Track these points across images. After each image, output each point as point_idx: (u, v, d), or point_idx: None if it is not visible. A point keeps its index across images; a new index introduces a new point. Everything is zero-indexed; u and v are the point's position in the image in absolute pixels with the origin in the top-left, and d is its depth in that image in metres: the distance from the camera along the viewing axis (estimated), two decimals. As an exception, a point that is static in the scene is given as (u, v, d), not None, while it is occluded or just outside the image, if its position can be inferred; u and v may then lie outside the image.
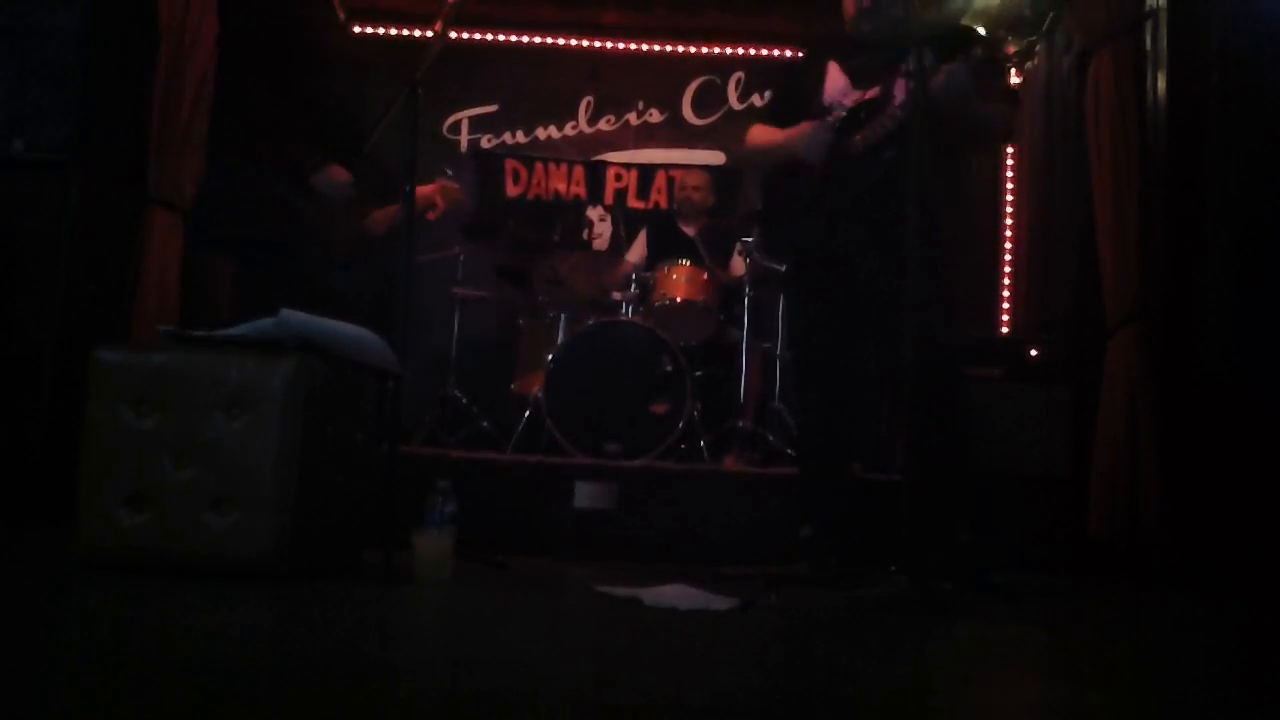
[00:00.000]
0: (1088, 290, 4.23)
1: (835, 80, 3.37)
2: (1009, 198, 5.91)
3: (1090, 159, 4.05)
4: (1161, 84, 4.06)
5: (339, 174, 3.50)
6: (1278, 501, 3.46)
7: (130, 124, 4.10)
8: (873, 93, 3.27)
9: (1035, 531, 3.92)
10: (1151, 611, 3.22)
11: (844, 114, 3.28)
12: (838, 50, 3.38)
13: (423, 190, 3.78)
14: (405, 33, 6.23)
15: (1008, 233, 5.88)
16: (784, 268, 3.89)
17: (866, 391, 3.31)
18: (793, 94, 3.50)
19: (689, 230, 5.31)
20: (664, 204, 6.33)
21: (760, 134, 3.53)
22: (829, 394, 3.31)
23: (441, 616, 2.43)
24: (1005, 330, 5.68)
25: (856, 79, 3.32)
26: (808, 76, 3.44)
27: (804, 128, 3.30)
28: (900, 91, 3.19)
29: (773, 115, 3.56)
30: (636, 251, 5.48)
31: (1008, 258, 5.85)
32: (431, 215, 3.93)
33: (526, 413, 4.95)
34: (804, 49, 3.66)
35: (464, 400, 5.19)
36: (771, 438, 4.90)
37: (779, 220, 3.48)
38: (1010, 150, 5.93)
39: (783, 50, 6.35)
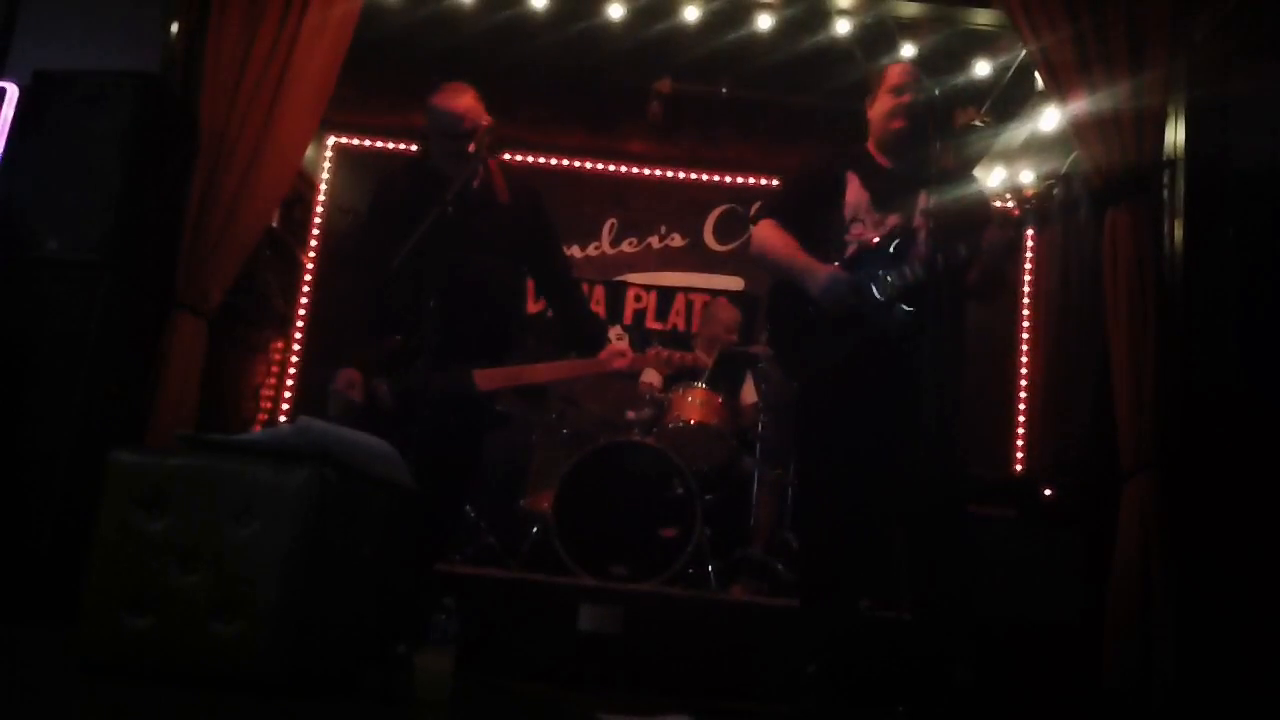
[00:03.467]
0: (1103, 433, 4.21)
1: (856, 193, 3.29)
2: (1024, 338, 6.00)
3: (1107, 306, 4.05)
4: (1179, 233, 4.10)
5: (349, 376, 3.40)
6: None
7: (162, 228, 4.15)
8: (893, 219, 3.24)
9: (1044, 679, 3.84)
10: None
11: (871, 245, 3.21)
12: (860, 168, 3.30)
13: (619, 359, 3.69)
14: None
15: (1023, 372, 5.95)
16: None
17: (878, 526, 3.20)
18: (807, 196, 3.36)
19: (706, 358, 5.33)
20: (681, 326, 6.39)
21: (773, 239, 3.31)
22: (838, 527, 3.17)
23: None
24: (1019, 469, 5.68)
25: (878, 201, 3.25)
26: (824, 181, 3.31)
27: (826, 271, 3.17)
28: (924, 229, 3.17)
29: (783, 212, 3.38)
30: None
31: (1023, 396, 5.91)
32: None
33: (534, 530, 4.92)
34: (823, 158, 3.46)
35: (472, 514, 5.16)
36: (781, 567, 4.86)
37: (788, 341, 3.37)
38: (1027, 294, 6.03)
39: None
